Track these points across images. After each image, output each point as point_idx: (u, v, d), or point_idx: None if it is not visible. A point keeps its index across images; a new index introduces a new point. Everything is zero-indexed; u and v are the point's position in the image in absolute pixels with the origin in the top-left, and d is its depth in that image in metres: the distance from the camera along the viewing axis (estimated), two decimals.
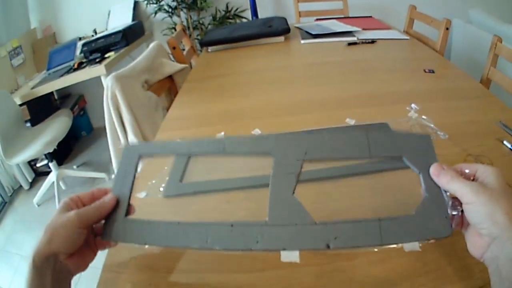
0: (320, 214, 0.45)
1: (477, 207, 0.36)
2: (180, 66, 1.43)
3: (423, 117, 0.79)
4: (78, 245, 0.44)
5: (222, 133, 0.84)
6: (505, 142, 0.69)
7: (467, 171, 0.41)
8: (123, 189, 0.51)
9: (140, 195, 0.67)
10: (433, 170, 0.42)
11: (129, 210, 0.49)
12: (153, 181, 0.70)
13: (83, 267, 0.45)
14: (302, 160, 0.48)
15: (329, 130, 0.78)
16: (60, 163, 2.47)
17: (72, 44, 2.30)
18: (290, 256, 0.44)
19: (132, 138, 1.12)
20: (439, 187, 0.42)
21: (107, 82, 1.09)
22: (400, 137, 0.50)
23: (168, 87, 1.42)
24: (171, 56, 1.56)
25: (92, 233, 0.48)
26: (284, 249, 0.42)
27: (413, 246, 0.44)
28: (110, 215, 0.48)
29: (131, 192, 0.51)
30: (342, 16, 2.15)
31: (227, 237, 0.43)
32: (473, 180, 0.40)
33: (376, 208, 0.56)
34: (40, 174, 2.49)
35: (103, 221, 0.48)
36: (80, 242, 0.44)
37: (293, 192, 0.46)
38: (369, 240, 0.40)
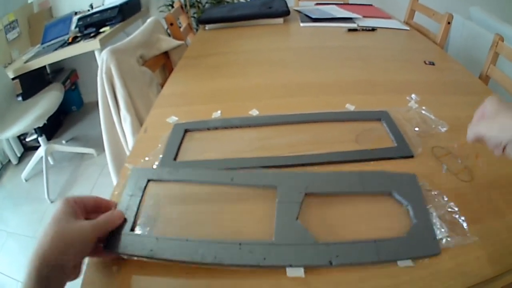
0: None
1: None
2: (177, 42, 1.40)
3: (423, 108, 0.78)
4: (85, 257, 0.44)
5: (219, 111, 0.82)
6: None
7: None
8: (130, 206, 0.54)
9: None
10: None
11: (134, 226, 0.51)
12: (146, 158, 0.69)
13: (78, 273, 0.44)
14: (304, 193, 0.55)
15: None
16: (49, 138, 2.43)
17: (67, 19, 2.24)
18: (296, 272, 0.46)
19: (124, 114, 1.09)
20: (427, 214, 0.50)
21: (102, 56, 1.06)
22: (389, 176, 0.58)
23: (163, 64, 1.39)
24: (168, 32, 1.52)
25: None
26: (290, 266, 0.46)
27: (407, 262, 0.46)
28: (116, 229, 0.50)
29: (137, 210, 0.54)
30: (342, 2, 2.13)
31: (236, 255, 0.46)
32: None
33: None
34: (29, 149, 2.44)
35: None
36: (88, 254, 0.44)
37: (297, 218, 0.51)
38: (367, 257, 0.46)
